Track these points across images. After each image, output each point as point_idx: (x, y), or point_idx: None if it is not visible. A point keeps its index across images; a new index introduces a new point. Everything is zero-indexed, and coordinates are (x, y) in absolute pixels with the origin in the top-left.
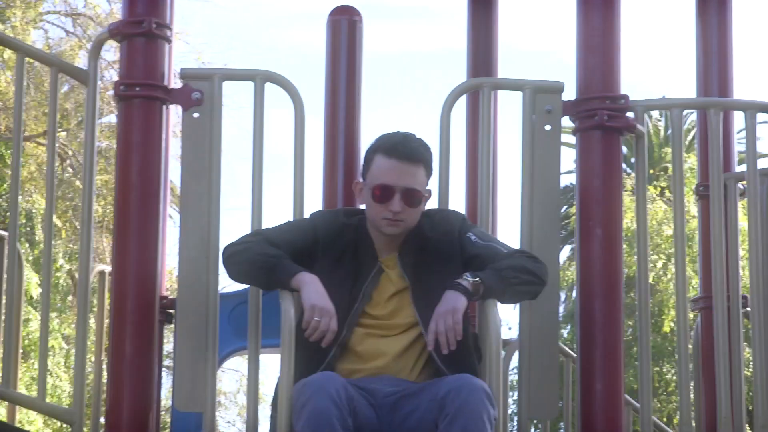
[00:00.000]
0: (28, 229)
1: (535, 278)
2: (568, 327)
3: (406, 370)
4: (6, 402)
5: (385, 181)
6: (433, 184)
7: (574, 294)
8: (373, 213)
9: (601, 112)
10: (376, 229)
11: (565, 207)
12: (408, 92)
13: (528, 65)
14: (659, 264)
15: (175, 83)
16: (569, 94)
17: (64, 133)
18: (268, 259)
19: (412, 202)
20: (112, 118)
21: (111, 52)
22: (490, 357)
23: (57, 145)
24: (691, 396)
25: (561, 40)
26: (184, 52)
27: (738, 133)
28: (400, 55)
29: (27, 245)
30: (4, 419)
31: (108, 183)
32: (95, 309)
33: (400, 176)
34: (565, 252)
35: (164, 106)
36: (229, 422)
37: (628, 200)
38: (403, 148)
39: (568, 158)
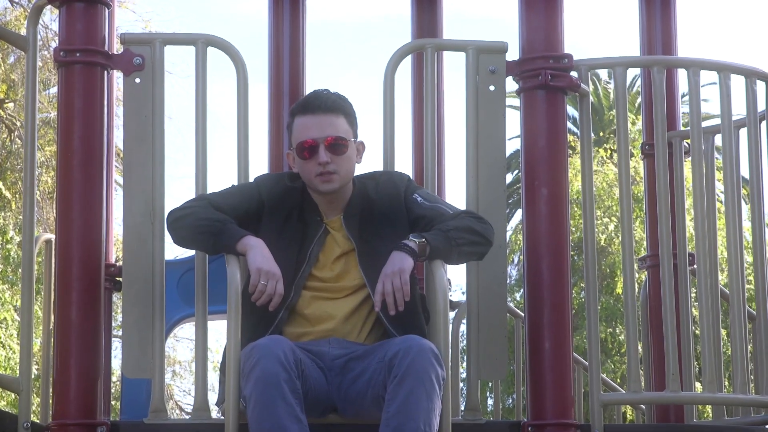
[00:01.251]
0: None
1: (481, 239)
2: (521, 291)
3: (355, 332)
4: None
5: (308, 136)
6: (378, 145)
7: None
8: (305, 173)
9: (544, 72)
10: (314, 190)
11: (515, 172)
12: (354, 60)
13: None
14: (611, 226)
15: (118, 50)
16: (513, 55)
17: (11, 105)
18: (212, 223)
19: (337, 150)
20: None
21: (57, 21)
22: (437, 317)
23: (4, 116)
24: (640, 354)
25: (507, 7)
26: (130, 21)
27: (683, 97)
28: (345, 23)
29: None
30: None
31: (56, 155)
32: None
33: (320, 128)
34: (517, 217)
35: (105, 72)
36: (184, 391)
37: (578, 163)
38: (316, 100)
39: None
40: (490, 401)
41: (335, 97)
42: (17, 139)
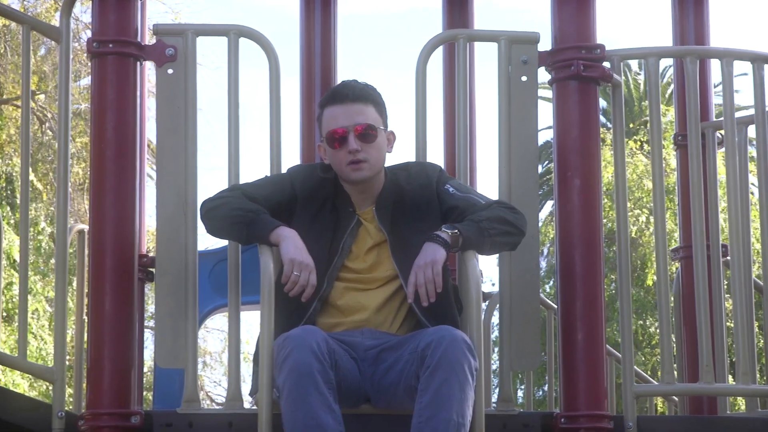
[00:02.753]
0: (9, 192)
1: (513, 228)
2: (551, 282)
3: (387, 322)
4: None
5: (337, 125)
6: (410, 136)
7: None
8: (336, 163)
9: (577, 62)
10: (346, 180)
11: (545, 163)
12: (385, 52)
13: (504, 22)
14: (642, 218)
15: (150, 41)
16: (545, 45)
17: (42, 96)
18: (246, 213)
19: (368, 138)
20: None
21: (88, 13)
22: (470, 308)
23: (35, 107)
24: (673, 346)
25: None
26: (160, 12)
27: (716, 87)
28: (376, 15)
29: (8, 208)
30: None
31: (87, 146)
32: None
33: (349, 116)
34: (547, 208)
35: (138, 63)
36: (214, 382)
37: (608, 155)
38: (344, 90)
39: (548, 114)
40: (519, 393)
41: (363, 86)
42: (48, 131)
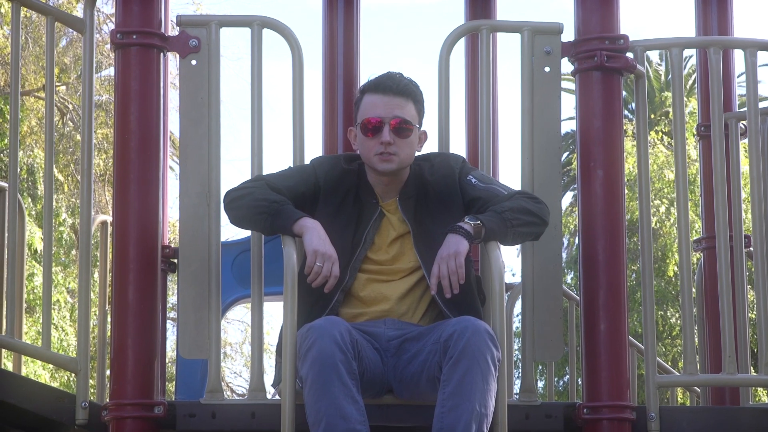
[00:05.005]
0: (30, 183)
1: (536, 219)
2: (572, 273)
3: (410, 313)
4: (11, 355)
5: (374, 114)
6: (433, 127)
7: (576, 240)
8: (365, 151)
9: (600, 53)
10: (372, 168)
11: (566, 153)
12: (407, 43)
13: (527, 13)
14: (662, 209)
15: (173, 32)
16: (568, 36)
17: (63, 88)
18: (270, 204)
19: (402, 134)
20: (112, 72)
21: (109, 5)
22: (493, 299)
23: (56, 98)
24: (696, 337)
25: None
26: (182, 3)
27: (738, 77)
28: (398, 5)
29: (29, 200)
30: None
31: (108, 137)
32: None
33: (388, 108)
34: (567, 199)
35: (162, 54)
36: (235, 373)
37: (629, 146)
38: (390, 82)
39: (570, 104)
40: (540, 383)
41: (408, 81)
42: (69, 122)
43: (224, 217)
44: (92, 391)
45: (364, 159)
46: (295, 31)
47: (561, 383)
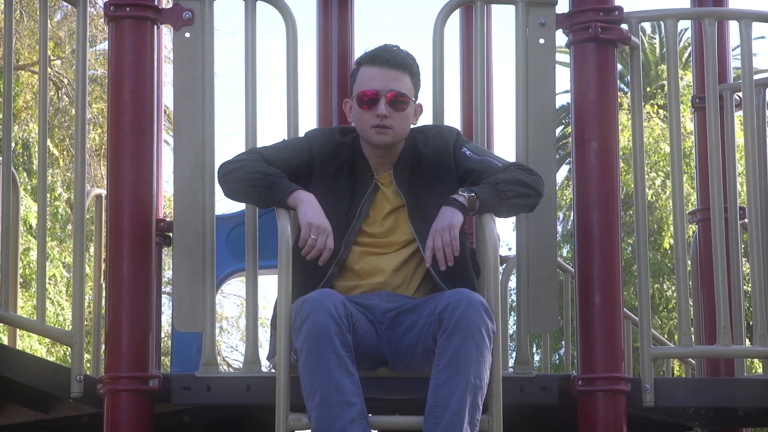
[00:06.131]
0: (26, 158)
1: (530, 190)
2: (567, 246)
3: (404, 285)
4: (6, 329)
5: (370, 87)
6: (427, 100)
7: (572, 214)
8: (361, 123)
9: (594, 24)
10: (367, 141)
11: (561, 127)
12: (402, 15)
13: None
14: (657, 181)
15: (167, 5)
16: (563, 8)
17: (58, 62)
18: (264, 177)
19: (398, 107)
20: (106, 46)
21: None
22: (487, 270)
23: (51, 73)
24: (691, 309)
25: None
26: None
27: (733, 49)
28: None
29: (25, 174)
30: None
31: (103, 111)
32: (95, 237)
33: (385, 81)
34: (562, 172)
35: (155, 27)
36: (231, 347)
37: (624, 119)
38: (387, 54)
39: (565, 77)
40: (536, 356)
41: (405, 54)
42: (65, 96)
43: (219, 191)
44: (87, 365)
45: (359, 131)
46: (290, 4)
47: (556, 356)
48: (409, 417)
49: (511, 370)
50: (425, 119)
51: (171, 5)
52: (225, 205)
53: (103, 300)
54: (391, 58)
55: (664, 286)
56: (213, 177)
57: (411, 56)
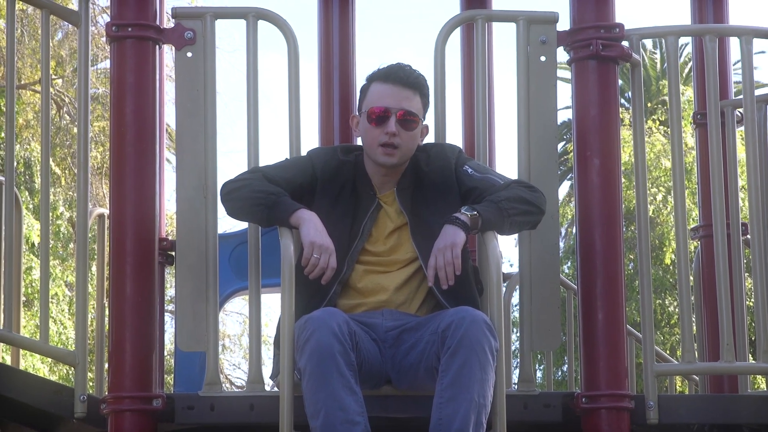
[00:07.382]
0: (27, 177)
1: (533, 207)
2: (569, 262)
3: (407, 303)
4: (9, 349)
5: (381, 104)
6: (429, 118)
7: (574, 230)
8: (369, 139)
9: (596, 42)
10: (372, 159)
11: (563, 143)
12: (403, 32)
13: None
14: (659, 197)
15: (168, 25)
16: (564, 25)
17: (60, 81)
18: (267, 196)
19: (407, 126)
20: (108, 65)
21: None
22: (490, 288)
23: (53, 92)
24: (694, 326)
25: None
26: None
27: (734, 64)
28: None
29: (27, 193)
30: None
31: (105, 130)
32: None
33: (396, 99)
34: (564, 188)
35: (157, 47)
36: (234, 365)
37: (626, 134)
38: (401, 73)
39: (566, 94)
40: (539, 373)
41: (417, 74)
42: (66, 115)
43: (221, 210)
44: (91, 384)
45: (365, 147)
46: (291, 23)
47: (559, 373)
48: None
49: (515, 387)
50: (427, 137)
51: (173, 25)
52: (227, 224)
53: (106, 319)
54: (405, 77)
55: (666, 302)
56: (215, 196)
57: (423, 77)
